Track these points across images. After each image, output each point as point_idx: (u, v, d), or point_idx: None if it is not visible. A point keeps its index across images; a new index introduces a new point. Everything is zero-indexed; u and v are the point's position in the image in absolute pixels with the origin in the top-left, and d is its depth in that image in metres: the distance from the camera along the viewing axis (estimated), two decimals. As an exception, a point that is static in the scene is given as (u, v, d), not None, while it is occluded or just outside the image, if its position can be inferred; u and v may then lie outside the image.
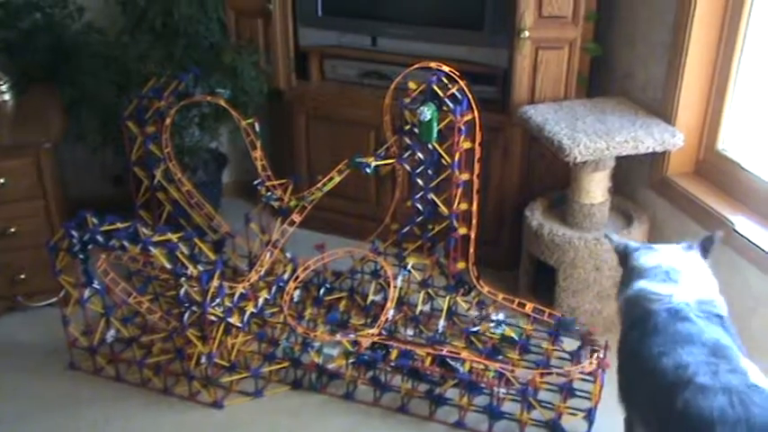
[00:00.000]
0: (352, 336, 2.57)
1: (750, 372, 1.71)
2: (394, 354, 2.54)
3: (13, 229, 2.83)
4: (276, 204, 2.82)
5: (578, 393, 2.53)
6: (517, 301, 2.74)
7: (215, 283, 2.42)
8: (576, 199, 2.80)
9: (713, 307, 1.88)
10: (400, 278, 2.80)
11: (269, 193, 2.83)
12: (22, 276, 2.90)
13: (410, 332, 2.81)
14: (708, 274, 1.98)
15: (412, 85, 2.62)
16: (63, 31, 3.16)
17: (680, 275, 1.94)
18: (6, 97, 3.07)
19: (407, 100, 2.63)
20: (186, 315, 2.49)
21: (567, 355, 2.71)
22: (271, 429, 2.50)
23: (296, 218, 2.77)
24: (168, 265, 2.42)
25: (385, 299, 2.73)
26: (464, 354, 2.52)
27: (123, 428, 2.50)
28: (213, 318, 2.48)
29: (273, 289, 2.83)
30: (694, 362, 1.73)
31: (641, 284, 1.96)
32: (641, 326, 1.90)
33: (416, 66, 2.66)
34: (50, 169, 2.83)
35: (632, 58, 3.00)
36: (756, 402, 1.62)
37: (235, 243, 3.05)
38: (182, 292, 2.44)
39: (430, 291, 2.86)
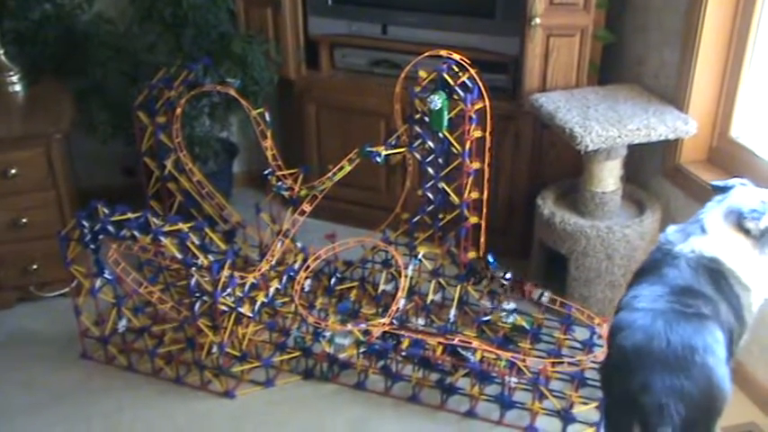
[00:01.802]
0: (363, 325, 2.57)
1: (695, 307, 1.84)
2: (405, 343, 2.54)
3: (24, 220, 2.84)
4: (287, 194, 2.82)
5: (590, 383, 2.52)
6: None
7: (226, 272, 2.42)
8: (587, 187, 2.78)
9: (714, 263, 1.94)
10: (411, 267, 2.79)
11: (279, 183, 2.83)
12: (34, 267, 2.91)
13: (421, 321, 2.81)
14: (739, 241, 1.98)
15: (422, 73, 2.61)
16: (73, 21, 3.16)
17: (708, 231, 1.99)
18: (17, 88, 3.08)
19: (418, 88, 2.61)
20: (197, 305, 2.49)
21: (578, 345, 2.70)
22: (282, 419, 2.51)
23: (306, 207, 2.77)
24: (179, 255, 2.42)
25: (396, 288, 2.73)
26: (475, 343, 2.51)
27: (135, 417, 2.51)
28: (224, 307, 2.48)
29: (284, 279, 2.83)
30: (648, 294, 1.91)
31: (671, 229, 2.06)
32: (641, 265, 2.09)
33: (427, 54, 2.65)
34: (61, 160, 2.83)
35: (644, 45, 2.97)
36: (665, 318, 1.80)
37: (245, 233, 3.05)
38: (193, 281, 2.44)
39: (441, 280, 2.85)
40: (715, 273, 1.94)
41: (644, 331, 1.80)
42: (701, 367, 1.73)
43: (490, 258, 2.78)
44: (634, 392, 1.75)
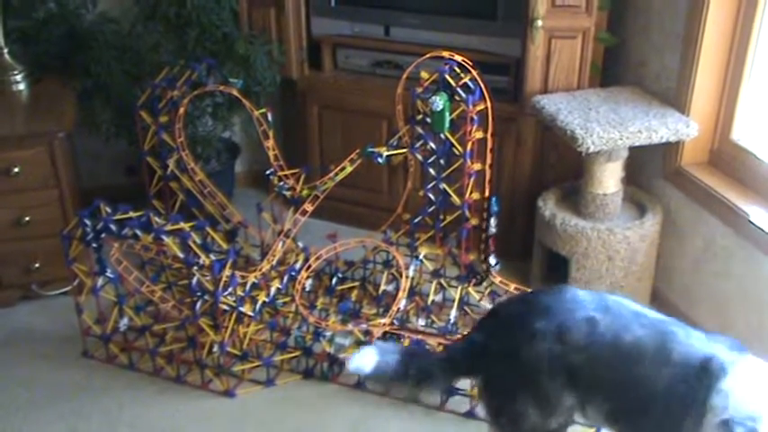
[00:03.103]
0: (363, 325, 2.58)
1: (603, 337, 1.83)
2: (406, 343, 2.55)
3: (27, 218, 2.84)
4: (288, 194, 2.83)
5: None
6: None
7: (227, 272, 2.42)
8: (588, 189, 2.78)
9: (708, 362, 1.75)
10: (412, 268, 2.79)
11: (281, 183, 2.84)
12: (37, 265, 2.92)
13: (422, 322, 2.81)
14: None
15: (424, 74, 2.61)
16: (77, 20, 3.16)
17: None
18: (21, 87, 3.09)
19: (420, 89, 2.62)
20: (198, 304, 2.50)
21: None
22: (282, 418, 2.51)
23: (308, 207, 2.77)
24: (181, 255, 2.43)
25: (397, 289, 2.73)
26: (475, 344, 2.51)
27: (136, 416, 2.51)
28: (225, 307, 2.49)
29: (285, 278, 2.84)
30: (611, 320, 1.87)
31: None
32: None
33: (429, 55, 2.65)
34: (64, 158, 2.84)
35: (646, 48, 2.97)
36: (560, 301, 1.89)
37: (247, 232, 3.06)
38: (194, 281, 2.45)
39: (442, 281, 2.86)
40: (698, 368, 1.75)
41: (515, 300, 2.07)
42: (518, 340, 1.85)
43: (494, 203, 2.73)
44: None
